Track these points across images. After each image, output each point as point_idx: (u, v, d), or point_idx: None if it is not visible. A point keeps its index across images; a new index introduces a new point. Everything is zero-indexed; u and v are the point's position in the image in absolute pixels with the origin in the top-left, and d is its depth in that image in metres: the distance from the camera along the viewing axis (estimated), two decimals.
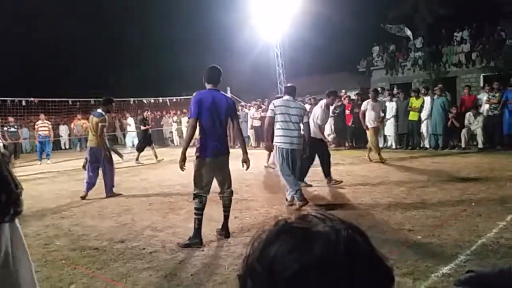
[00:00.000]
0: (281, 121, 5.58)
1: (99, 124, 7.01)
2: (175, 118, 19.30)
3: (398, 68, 21.60)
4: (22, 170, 11.91)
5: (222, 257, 3.88)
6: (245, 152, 4.54)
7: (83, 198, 6.98)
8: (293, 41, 20.50)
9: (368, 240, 0.57)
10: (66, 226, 5.31)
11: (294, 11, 17.01)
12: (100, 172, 7.18)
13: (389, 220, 4.77)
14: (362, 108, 9.55)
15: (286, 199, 5.80)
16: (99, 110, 7.26)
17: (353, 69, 23.63)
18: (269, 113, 5.79)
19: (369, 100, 9.53)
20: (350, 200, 5.93)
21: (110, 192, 7.15)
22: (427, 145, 12.07)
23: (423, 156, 10.53)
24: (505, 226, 4.25)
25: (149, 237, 4.62)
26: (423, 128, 12.03)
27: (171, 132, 19.85)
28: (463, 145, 11.15)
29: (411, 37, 19.89)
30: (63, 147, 21.25)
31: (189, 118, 4.46)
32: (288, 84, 6.31)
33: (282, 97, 6.22)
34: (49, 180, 9.94)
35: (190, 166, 4.33)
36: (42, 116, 14.85)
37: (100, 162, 7.08)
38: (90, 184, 7.07)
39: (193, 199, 4.39)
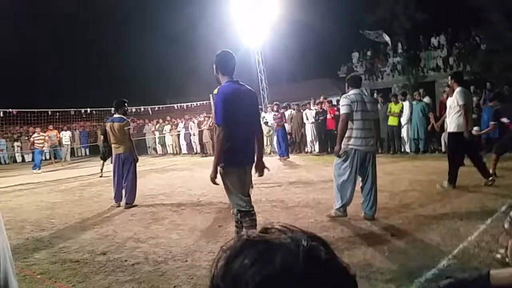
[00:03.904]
0: (358, 120, 4.76)
1: (125, 128, 6.75)
2: (157, 126, 19.15)
3: (378, 73, 21.95)
4: (0, 182, 11.63)
5: (205, 268, 3.83)
6: (261, 158, 3.84)
7: (113, 207, 6.82)
8: (274, 48, 20.63)
9: (330, 250, 0.58)
10: (47, 238, 5.19)
11: (274, 18, 17.16)
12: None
13: (372, 226, 4.81)
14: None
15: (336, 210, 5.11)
16: (118, 115, 6.89)
17: (334, 75, 23.91)
18: (345, 110, 4.81)
19: None
20: (333, 207, 5.94)
21: (130, 200, 6.87)
22: (408, 150, 12.26)
23: (404, 160, 10.69)
24: (485, 229, 4.33)
25: (131, 249, 4.54)
26: (404, 133, 12.22)
27: (154, 140, 19.67)
28: (443, 148, 11.35)
29: (389, 42, 20.25)
30: (43, 158, 20.83)
31: (216, 124, 3.54)
32: (352, 74, 5.28)
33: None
34: (28, 191, 9.71)
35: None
36: (38, 129, 14.81)
37: (126, 168, 6.81)
38: (119, 193, 6.86)
39: (241, 218, 3.67)
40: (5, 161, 19.82)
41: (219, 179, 3.64)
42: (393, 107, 12.26)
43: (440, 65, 19.80)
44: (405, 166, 9.45)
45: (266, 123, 14.93)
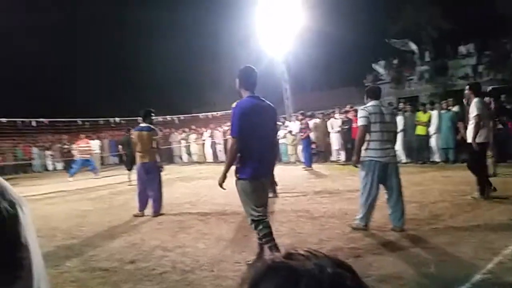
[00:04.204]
0: (377, 131, 4.80)
1: (153, 137, 6.86)
2: (183, 135, 19.41)
3: (405, 82, 21.65)
4: (32, 190, 12.00)
5: (232, 278, 3.83)
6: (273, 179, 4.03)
7: (136, 216, 6.84)
8: (299, 57, 20.67)
9: (356, 276, 0.57)
10: (77, 246, 5.31)
11: (298, 27, 17.19)
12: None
13: (402, 237, 4.70)
14: None
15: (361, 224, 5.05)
16: (145, 124, 7.00)
17: (359, 83, 23.72)
18: (362, 122, 4.87)
19: None
20: None
21: (157, 209, 6.94)
22: (437, 159, 11.98)
23: (433, 170, 10.44)
24: None
25: (159, 257, 4.59)
26: (432, 142, 11.96)
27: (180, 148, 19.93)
28: None
29: (416, 51, 19.99)
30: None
31: (231, 136, 3.75)
32: (370, 86, 5.29)
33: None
34: (59, 199, 9.98)
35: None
36: (82, 135, 14.96)
37: (151, 177, 6.88)
38: (143, 202, 6.93)
39: (255, 227, 3.79)
40: (37, 169, 20.43)
41: (226, 185, 3.80)
42: (421, 116, 12.03)
43: (469, 74, 19.37)
44: (434, 177, 9.23)
45: (290, 132, 14.90)
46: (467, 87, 6.71)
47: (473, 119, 6.22)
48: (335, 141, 14.43)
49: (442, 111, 11.80)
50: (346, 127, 13.71)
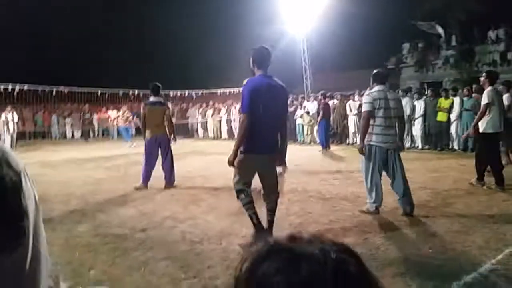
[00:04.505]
0: (381, 117, 4.79)
1: (166, 112, 7.01)
2: (200, 110, 19.46)
3: (429, 66, 21.09)
4: (51, 155, 12.29)
5: (239, 251, 3.88)
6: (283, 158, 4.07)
7: (138, 189, 6.82)
8: (321, 36, 20.28)
9: (361, 263, 0.55)
10: (90, 212, 5.44)
11: (322, 5, 16.81)
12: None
13: (412, 223, 4.67)
14: None
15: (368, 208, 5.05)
16: (156, 98, 7.07)
17: (381, 66, 23.14)
18: (366, 107, 4.87)
19: None
20: None
21: (171, 181, 7.05)
22: (455, 147, 11.75)
23: (451, 157, 10.26)
24: None
25: (169, 228, 4.67)
26: (452, 129, 11.71)
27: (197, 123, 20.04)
28: None
29: (442, 34, 19.38)
30: (91, 135, 21.73)
31: (241, 112, 3.86)
32: (377, 71, 5.15)
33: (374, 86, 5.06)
34: (77, 166, 10.19)
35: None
36: (124, 107, 16.15)
37: (163, 150, 6.99)
38: (149, 175, 6.94)
39: (237, 196, 4.00)
40: (56, 136, 20.82)
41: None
42: (443, 102, 11.74)
43: (497, 60, 18.73)
44: (450, 164, 9.07)
45: (307, 112, 14.76)
46: (484, 74, 6.61)
47: (482, 107, 6.23)
48: (352, 123, 14.25)
49: (464, 98, 11.49)
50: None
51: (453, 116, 11.60)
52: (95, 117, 20.35)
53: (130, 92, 16.94)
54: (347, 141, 14.62)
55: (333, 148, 13.06)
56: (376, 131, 4.84)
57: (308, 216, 5.12)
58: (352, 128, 14.31)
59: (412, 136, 12.50)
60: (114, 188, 7.07)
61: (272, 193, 4.11)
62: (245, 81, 3.89)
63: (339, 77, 22.24)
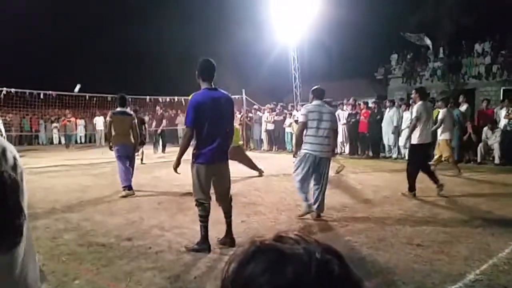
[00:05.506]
0: (313, 128, 5.27)
1: (133, 122, 7.27)
2: None
3: (416, 77, 21.37)
4: (36, 162, 12.12)
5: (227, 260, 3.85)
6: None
7: (124, 196, 6.90)
8: (312, 45, 20.47)
9: (344, 264, 0.56)
10: (75, 220, 5.37)
11: (312, 15, 16.96)
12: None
13: (399, 233, 4.70)
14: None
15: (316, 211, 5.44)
16: (123, 109, 7.29)
17: (370, 76, 23.44)
18: (301, 119, 5.45)
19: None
20: (360, 211, 5.86)
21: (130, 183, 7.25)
22: (442, 158, 11.87)
23: (437, 168, 10.36)
24: None
25: (156, 237, 4.64)
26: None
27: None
28: (479, 159, 10.95)
29: (430, 46, 19.67)
30: (78, 141, 21.54)
31: (185, 125, 4.06)
32: (315, 87, 5.66)
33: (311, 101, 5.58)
34: (62, 173, 10.07)
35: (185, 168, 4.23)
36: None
37: (130, 157, 7.29)
38: (127, 177, 7.11)
39: (196, 206, 4.21)
40: (43, 142, 20.58)
41: (180, 169, 4.23)
42: None
43: (482, 73, 19.07)
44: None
45: (296, 121, 14.81)
46: (414, 91, 7.30)
47: (412, 121, 6.86)
48: (340, 133, 14.33)
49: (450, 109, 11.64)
50: (353, 119, 13.62)
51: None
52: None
53: (109, 98, 16.65)
54: (335, 151, 14.66)
55: None
56: (309, 140, 5.31)
57: (297, 226, 5.14)
58: (340, 138, 14.39)
59: (398, 147, 12.61)
60: (100, 195, 7.01)
61: (225, 197, 4.32)
62: (190, 96, 4.10)
63: (328, 87, 22.38)
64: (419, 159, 6.84)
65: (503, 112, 11.33)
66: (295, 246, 0.56)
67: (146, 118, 16.11)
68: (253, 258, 0.56)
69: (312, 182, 5.49)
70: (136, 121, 7.43)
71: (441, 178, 7.13)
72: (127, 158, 7.19)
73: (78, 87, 12.32)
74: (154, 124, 15.77)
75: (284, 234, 0.60)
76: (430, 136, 7.00)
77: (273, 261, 0.54)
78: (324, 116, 5.31)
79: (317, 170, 5.36)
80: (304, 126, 5.35)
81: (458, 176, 8.91)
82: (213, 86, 4.11)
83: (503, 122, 11.10)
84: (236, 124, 16.54)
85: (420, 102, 6.79)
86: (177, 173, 4.23)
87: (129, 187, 7.06)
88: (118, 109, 7.31)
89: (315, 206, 5.41)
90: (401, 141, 12.58)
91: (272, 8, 17.28)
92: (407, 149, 9.92)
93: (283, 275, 0.52)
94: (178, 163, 4.20)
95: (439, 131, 9.05)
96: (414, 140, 6.76)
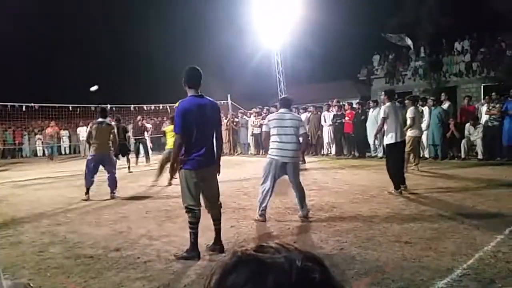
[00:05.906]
0: (276, 134, 5.50)
1: (112, 131, 7.85)
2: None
3: (399, 77, 21.65)
4: (20, 175, 11.92)
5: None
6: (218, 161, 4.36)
7: (85, 200, 7.46)
8: (295, 49, 20.57)
9: (326, 270, 0.57)
10: (62, 233, 5.28)
11: (295, 19, 17.10)
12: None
13: (387, 231, 4.74)
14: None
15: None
16: (103, 119, 7.81)
17: (353, 77, 23.67)
18: (264, 128, 5.80)
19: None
20: (348, 211, 5.89)
21: (114, 193, 7.76)
22: (426, 155, 12.05)
23: (422, 166, 10.49)
24: (502, 239, 4.23)
25: (144, 246, 4.59)
26: (423, 138, 12.01)
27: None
28: (462, 155, 11.14)
29: (411, 46, 19.95)
30: (63, 152, 21.20)
31: (175, 132, 4.16)
32: (282, 96, 6.03)
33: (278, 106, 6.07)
34: (47, 185, 9.92)
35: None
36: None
37: (108, 165, 7.78)
38: (89, 183, 7.62)
39: (186, 213, 4.21)
40: (26, 154, 20.24)
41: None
42: None
43: (462, 71, 19.42)
44: (422, 172, 9.30)
45: None
46: (383, 92, 7.69)
47: (380, 121, 7.26)
48: (326, 134, 14.45)
49: (432, 108, 11.84)
50: (339, 121, 13.73)
51: (423, 125, 11.91)
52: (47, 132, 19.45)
53: (108, 107, 16.62)
54: (322, 152, 14.78)
55: (308, 159, 13.15)
56: (273, 146, 5.49)
57: (285, 228, 5.14)
58: (326, 139, 14.50)
59: (383, 146, 12.69)
60: (86, 207, 6.92)
61: (214, 203, 4.32)
62: (177, 104, 4.18)
63: (313, 89, 22.56)
64: (397, 156, 7.11)
65: (484, 108, 11.55)
66: (276, 255, 0.57)
67: (129, 127, 15.96)
68: (235, 269, 0.56)
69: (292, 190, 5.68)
70: (115, 130, 7.94)
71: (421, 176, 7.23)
72: (100, 164, 7.70)
73: (95, 87, 12.28)
74: (131, 133, 15.43)
75: (265, 243, 0.61)
76: (403, 134, 7.28)
77: (254, 271, 0.55)
78: (286, 123, 5.50)
79: (285, 174, 5.52)
80: (267, 134, 5.64)
81: (415, 171, 9.22)
82: (199, 93, 4.17)
83: (484, 118, 11.31)
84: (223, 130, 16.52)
85: (388, 104, 7.10)
86: (174, 178, 4.32)
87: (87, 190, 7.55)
88: (99, 119, 7.78)
89: (300, 209, 5.58)
90: (371, 139, 12.60)
91: (254, 13, 17.37)
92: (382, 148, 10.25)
93: (264, 285, 0.53)
94: (173, 169, 4.27)
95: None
96: (388, 140, 7.05)
